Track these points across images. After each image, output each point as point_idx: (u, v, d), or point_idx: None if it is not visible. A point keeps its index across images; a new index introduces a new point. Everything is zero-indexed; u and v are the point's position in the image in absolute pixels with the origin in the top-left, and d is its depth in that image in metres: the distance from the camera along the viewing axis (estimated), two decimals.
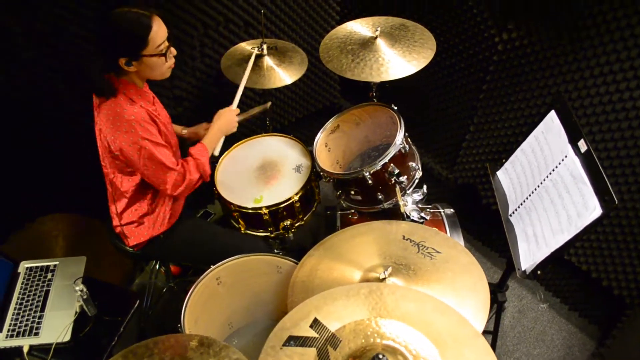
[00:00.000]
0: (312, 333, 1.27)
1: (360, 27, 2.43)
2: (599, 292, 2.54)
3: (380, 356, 1.12)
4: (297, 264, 1.83)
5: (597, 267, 2.48)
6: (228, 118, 2.17)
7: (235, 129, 2.21)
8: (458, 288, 1.59)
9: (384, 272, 1.60)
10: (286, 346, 1.25)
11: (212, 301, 1.94)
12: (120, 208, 2.05)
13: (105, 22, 1.72)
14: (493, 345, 2.39)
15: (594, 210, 1.56)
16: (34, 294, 2.10)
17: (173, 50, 1.85)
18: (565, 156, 1.74)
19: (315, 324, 1.29)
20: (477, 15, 2.48)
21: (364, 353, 1.19)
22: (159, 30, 1.75)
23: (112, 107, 1.78)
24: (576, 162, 1.69)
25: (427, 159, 3.18)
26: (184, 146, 2.17)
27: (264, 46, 2.49)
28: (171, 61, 1.86)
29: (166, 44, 1.79)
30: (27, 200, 2.46)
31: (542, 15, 2.22)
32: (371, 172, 2.08)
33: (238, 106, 2.26)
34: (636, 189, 2.19)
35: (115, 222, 2.09)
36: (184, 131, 2.34)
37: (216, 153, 2.16)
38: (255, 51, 2.48)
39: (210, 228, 2.41)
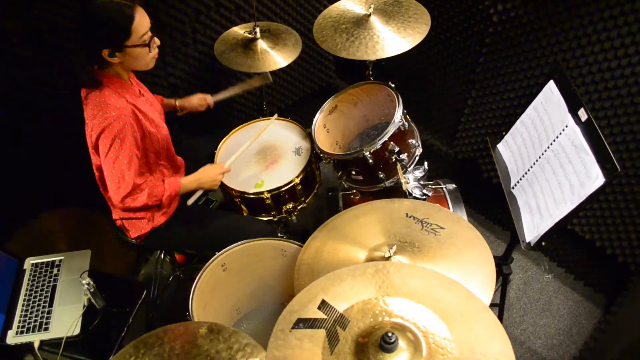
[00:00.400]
0: (320, 315, 1.27)
1: (353, 5, 2.40)
2: (604, 260, 2.55)
3: (390, 334, 1.13)
4: (301, 246, 1.83)
5: (600, 235, 2.48)
6: (210, 175, 2.09)
7: (216, 188, 2.15)
8: (463, 263, 1.60)
9: (389, 251, 1.60)
10: (295, 329, 1.25)
11: (218, 288, 1.95)
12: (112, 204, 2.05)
13: (87, 13, 1.69)
14: (500, 318, 2.40)
15: (596, 179, 1.55)
16: (42, 290, 2.11)
17: (156, 41, 1.82)
18: (566, 126, 1.73)
19: (323, 305, 1.29)
20: None
21: (373, 332, 1.19)
22: (142, 21, 1.72)
23: (98, 101, 1.77)
24: (577, 131, 1.68)
25: (426, 135, 3.17)
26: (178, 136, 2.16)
27: (257, 29, 2.46)
28: (155, 51, 1.84)
29: (149, 34, 1.77)
30: (28, 197, 2.45)
31: None
32: (371, 151, 2.07)
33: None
34: (637, 155, 2.18)
35: (115, 215, 2.09)
36: (177, 102, 2.36)
37: (188, 202, 2.10)
38: (247, 34, 2.46)
39: (211, 213, 2.41)
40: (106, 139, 1.77)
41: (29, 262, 2.21)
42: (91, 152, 1.93)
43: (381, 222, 1.77)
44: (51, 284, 2.13)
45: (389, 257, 1.60)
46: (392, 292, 1.30)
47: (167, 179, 1.99)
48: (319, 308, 1.28)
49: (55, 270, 2.17)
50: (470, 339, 1.19)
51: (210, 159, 2.38)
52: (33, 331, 1.98)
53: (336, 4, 2.44)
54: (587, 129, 1.65)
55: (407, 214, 1.77)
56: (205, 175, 2.08)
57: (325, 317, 1.26)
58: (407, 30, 2.21)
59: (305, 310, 1.29)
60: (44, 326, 1.99)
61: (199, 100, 2.42)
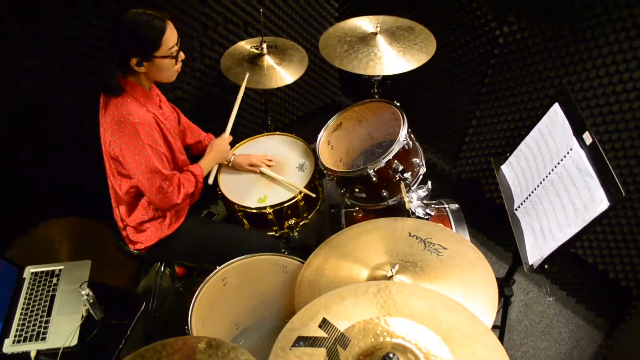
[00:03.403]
0: (321, 333, 1.26)
1: (365, 23, 2.42)
2: (606, 284, 2.53)
3: (391, 355, 1.12)
4: (303, 263, 1.83)
5: (603, 259, 2.47)
6: (221, 148, 2.25)
7: (229, 157, 2.35)
8: (466, 284, 1.59)
9: (391, 270, 1.59)
10: (295, 347, 1.24)
11: (218, 302, 1.94)
12: (124, 213, 2.05)
13: (120, 23, 1.73)
14: (500, 340, 2.38)
15: (600, 202, 1.55)
16: (40, 299, 2.09)
17: (182, 55, 1.88)
18: (571, 149, 1.73)
19: (324, 323, 1.28)
20: (477, 9, 2.46)
21: (374, 352, 1.18)
22: (172, 34, 1.78)
23: (119, 109, 1.79)
24: (582, 154, 1.68)
25: (429, 154, 3.17)
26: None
27: (264, 45, 2.48)
28: (179, 65, 1.89)
29: (176, 47, 1.82)
30: (30, 205, 2.45)
31: (542, 6, 2.21)
32: (375, 169, 2.07)
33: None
34: None
35: (120, 225, 2.09)
36: (232, 158, 2.39)
37: (209, 181, 2.23)
38: (254, 50, 2.48)
39: (215, 225, 2.42)
40: (133, 147, 1.80)
41: (29, 270, 2.19)
42: (106, 158, 1.94)
43: (384, 241, 1.76)
44: (50, 293, 2.11)
45: (391, 276, 1.59)
46: (394, 312, 1.29)
47: (187, 168, 2.05)
48: (319, 326, 1.27)
49: (54, 280, 2.16)
50: None
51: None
52: (30, 340, 1.95)
53: (350, 20, 2.46)
54: (592, 153, 1.65)
55: (410, 233, 1.76)
56: (217, 149, 2.23)
57: (326, 335, 1.25)
58: (406, 55, 2.23)
59: (306, 328, 1.27)
60: (41, 336, 1.96)
61: (248, 167, 2.39)
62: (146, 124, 1.80)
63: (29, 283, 2.15)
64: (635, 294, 2.42)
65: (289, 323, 1.30)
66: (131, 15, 1.72)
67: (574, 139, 1.73)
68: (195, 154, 2.33)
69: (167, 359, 1.40)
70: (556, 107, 1.86)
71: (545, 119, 1.92)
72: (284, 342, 1.25)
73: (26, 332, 1.98)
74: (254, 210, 2.22)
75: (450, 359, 1.17)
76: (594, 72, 2.14)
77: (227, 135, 2.28)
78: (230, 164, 2.40)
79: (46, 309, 2.06)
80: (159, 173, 1.85)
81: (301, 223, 2.33)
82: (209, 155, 2.20)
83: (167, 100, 2.14)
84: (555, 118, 1.86)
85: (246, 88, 2.35)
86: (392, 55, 2.24)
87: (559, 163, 1.78)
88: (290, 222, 2.29)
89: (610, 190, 1.53)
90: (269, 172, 2.36)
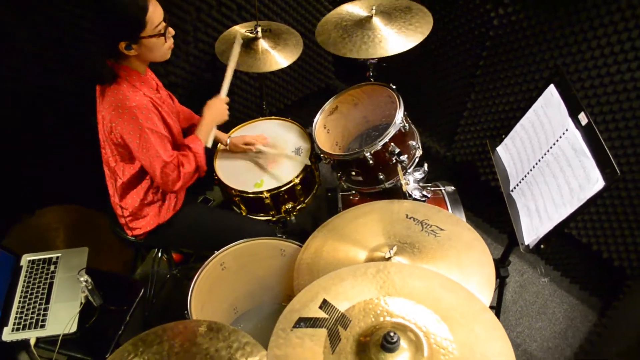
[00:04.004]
0: (321, 314, 1.27)
1: (358, 8, 2.41)
2: (600, 264, 2.56)
3: (392, 334, 1.13)
4: (300, 246, 1.83)
5: (597, 239, 2.50)
6: (218, 108, 2.12)
7: (227, 118, 2.16)
8: (463, 265, 1.60)
9: (389, 251, 1.60)
10: (296, 328, 1.25)
11: (217, 287, 1.94)
12: (123, 199, 2.04)
13: (101, 7, 1.70)
14: None
15: (596, 182, 1.56)
16: (38, 287, 2.09)
17: (171, 30, 1.83)
18: (566, 130, 1.74)
19: (325, 304, 1.29)
20: None
21: (374, 331, 1.19)
22: (155, 11, 1.73)
23: (116, 95, 1.77)
24: (577, 135, 1.68)
25: (424, 137, 3.17)
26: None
27: (259, 29, 2.46)
28: (170, 41, 1.85)
29: (164, 24, 1.78)
30: (26, 193, 2.44)
31: None
32: (372, 152, 2.07)
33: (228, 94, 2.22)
34: (635, 160, 2.20)
35: (119, 212, 2.08)
36: (228, 141, 2.39)
37: (209, 145, 2.12)
38: (243, 32, 2.46)
39: (212, 212, 2.41)
40: (133, 132, 1.78)
41: (26, 258, 2.19)
42: (104, 146, 1.93)
43: (381, 223, 1.77)
44: (48, 280, 2.11)
45: (389, 257, 1.60)
46: (393, 293, 1.30)
47: (186, 143, 1.99)
48: (320, 307, 1.28)
49: (52, 267, 2.16)
50: (471, 339, 1.19)
51: (210, 157, 2.37)
52: (29, 328, 1.96)
53: (342, 7, 2.44)
54: (587, 133, 1.65)
55: (407, 215, 1.77)
56: (213, 112, 2.10)
57: (326, 316, 1.26)
58: (406, 34, 2.22)
59: (307, 310, 1.29)
60: (40, 323, 1.97)
61: (243, 145, 2.40)
62: (144, 108, 1.78)
63: (27, 271, 2.15)
64: (628, 273, 2.45)
65: (289, 305, 1.31)
66: None
67: (569, 119, 1.74)
68: None
69: (169, 343, 1.41)
70: (551, 88, 1.86)
71: (540, 100, 1.92)
72: (285, 324, 1.26)
73: (25, 320, 1.99)
74: (251, 195, 2.22)
75: (450, 338, 1.19)
76: (589, 53, 2.15)
77: (223, 96, 2.15)
78: (227, 146, 2.39)
79: (44, 296, 2.06)
80: (159, 157, 1.84)
81: (298, 207, 2.34)
82: (204, 119, 2.08)
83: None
84: (550, 99, 1.86)
85: (241, 72, 2.33)
86: (389, 35, 2.23)
87: (554, 144, 1.79)
88: (287, 207, 2.29)
89: (605, 170, 1.54)
90: (264, 148, 2.36)
